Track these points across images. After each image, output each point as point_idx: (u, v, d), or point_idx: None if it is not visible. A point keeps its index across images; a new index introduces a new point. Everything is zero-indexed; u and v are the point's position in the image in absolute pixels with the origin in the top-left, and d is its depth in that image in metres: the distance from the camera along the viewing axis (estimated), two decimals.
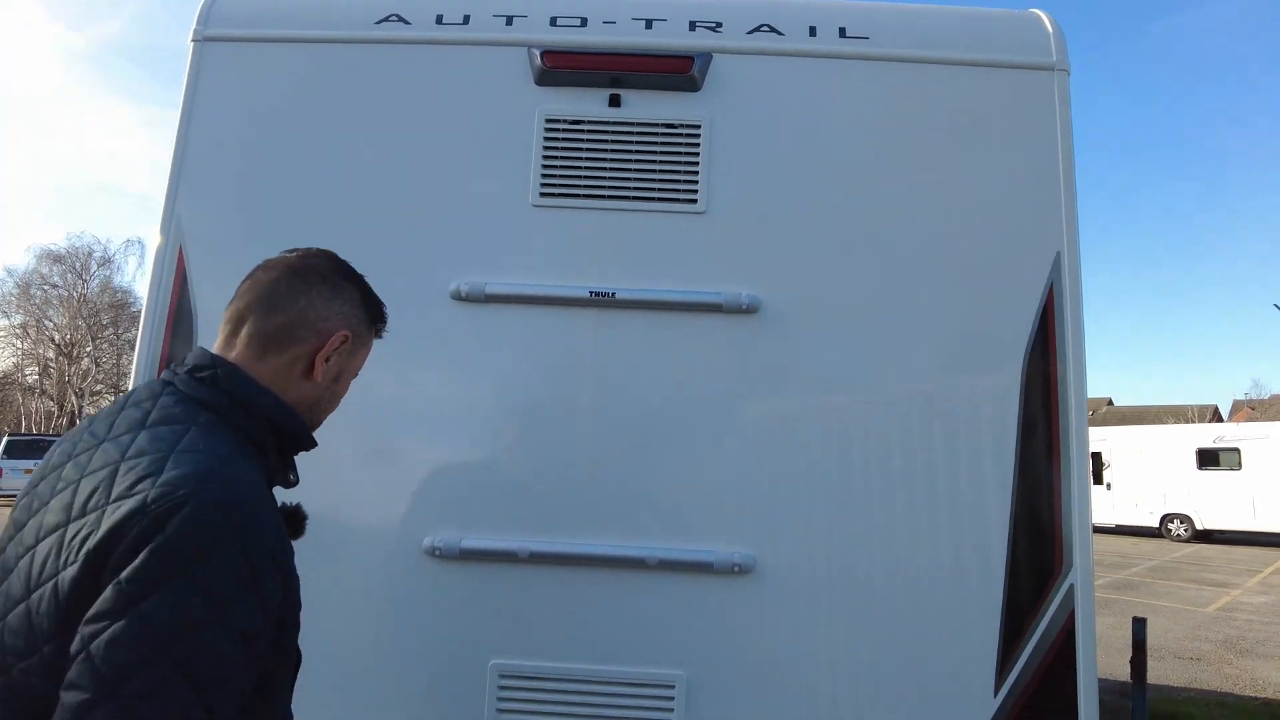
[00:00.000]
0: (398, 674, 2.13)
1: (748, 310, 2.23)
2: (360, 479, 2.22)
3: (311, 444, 1.32)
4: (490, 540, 2.15)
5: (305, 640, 2.17)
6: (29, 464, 20.17)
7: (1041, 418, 2.18)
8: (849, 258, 2.29)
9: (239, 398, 1.19)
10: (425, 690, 2.13)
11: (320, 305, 1.28)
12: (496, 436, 2.25)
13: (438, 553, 2.14)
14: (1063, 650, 2.10)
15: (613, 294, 2.23)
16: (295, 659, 1.26)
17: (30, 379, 38.75)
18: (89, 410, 33.54)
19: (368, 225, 2.29)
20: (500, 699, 2.10)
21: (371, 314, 1.37)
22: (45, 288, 37.30)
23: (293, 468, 1.32)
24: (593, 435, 2.24)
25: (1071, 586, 2.11)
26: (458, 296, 2.24)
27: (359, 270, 1.39)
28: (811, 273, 2.28)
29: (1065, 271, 2.26)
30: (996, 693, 2.09)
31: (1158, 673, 6.21)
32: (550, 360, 2.25)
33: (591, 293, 2.23)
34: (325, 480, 2.22)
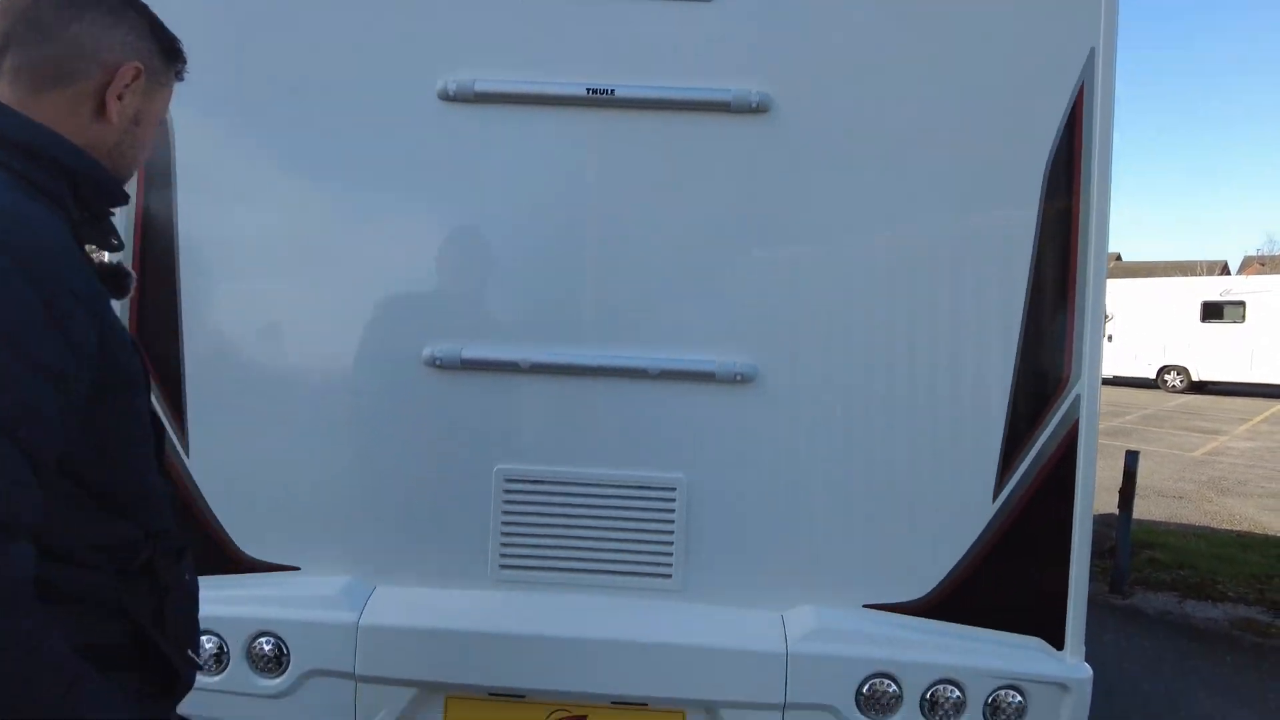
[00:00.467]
0: (405, 482, 2.16)
1: (758, 110, 2.08)
2: (358, 290, 2.16)
3: (121, 197, 1.19)
4: (491, 350, 2.12)
5: (313, 453, 2.23)
6: None
7: (1061, 222, 2.08)
8: (867, 52, 2.11)
9: (13, 139, 1.05)
10: (432, 496, 2.16)
11: (99, 33, 1.11)
12: (494, 246, 2.17)
13: (438, 363, 2.11)
14: (1064, 459, 2.10)
15: (611, 91, 2.08)
16: (151, 426, 1.22)
17: None
18: None
19: (348, 21, 2.11)
20: (506, 502, 2.14)
21: (165, 47, 1.21)
22: None
23: (111, 230, 1.20)
24: (594, 244, 2.16)
25: (1078, 397, 2.09)
26: (445, 96, 2.09)
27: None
28: (826, 69, 2.12)
29: (1099, 71, 2.09)
30: (995, 499, 2.11)
31: (1141, 509, 6.44)
32: (547, 163, 2.13)
33: (589, 90, 2.08)
34: (323, 293, 2.19)
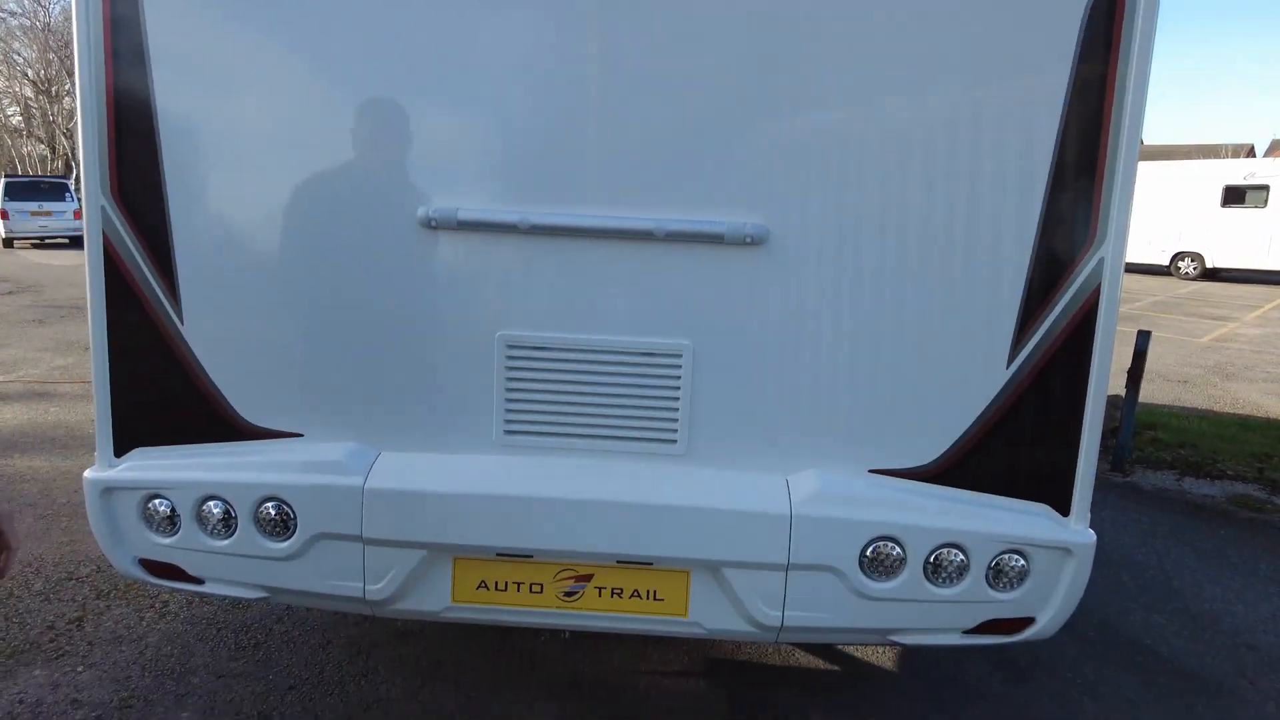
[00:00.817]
0: (407, 348, 2.11)
1: None
2: (350, 149, 2.05)
3: None
4: (489, 211, 2.02)
5: (312, 319, 2.18)
6: (34, 205, 20.02)
7: (1098, 74, 1.93)
8: None
9: None
10: (435, 362, 2.11)
11: None
12: (493, 101, 2.03)
13: (434, 224, 2.02)
14: (1082, 326, 2.03)
15: None
16: None
17: (14, 120, 37.32)
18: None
19: None
20: (509, 369, 2.10)
21: None
22: (3, 15, 34.62)
23: None
24: (597, 98, 2.02)
25: (1102, 260, 2.00)
26: None
27: None
28: None
29: None
30: (1009, 364, 2.06)
31: (1145, 393, 6.43)
32: (548, 13, 1.97)
33: None
34: (313, 152, 2.07)
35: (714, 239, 2.03)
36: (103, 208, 2.05)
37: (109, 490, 2.14)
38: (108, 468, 2.17)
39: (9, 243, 20.38)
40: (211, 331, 2.12)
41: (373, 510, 2.06)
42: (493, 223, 2.03)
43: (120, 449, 2.18)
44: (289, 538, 2.10)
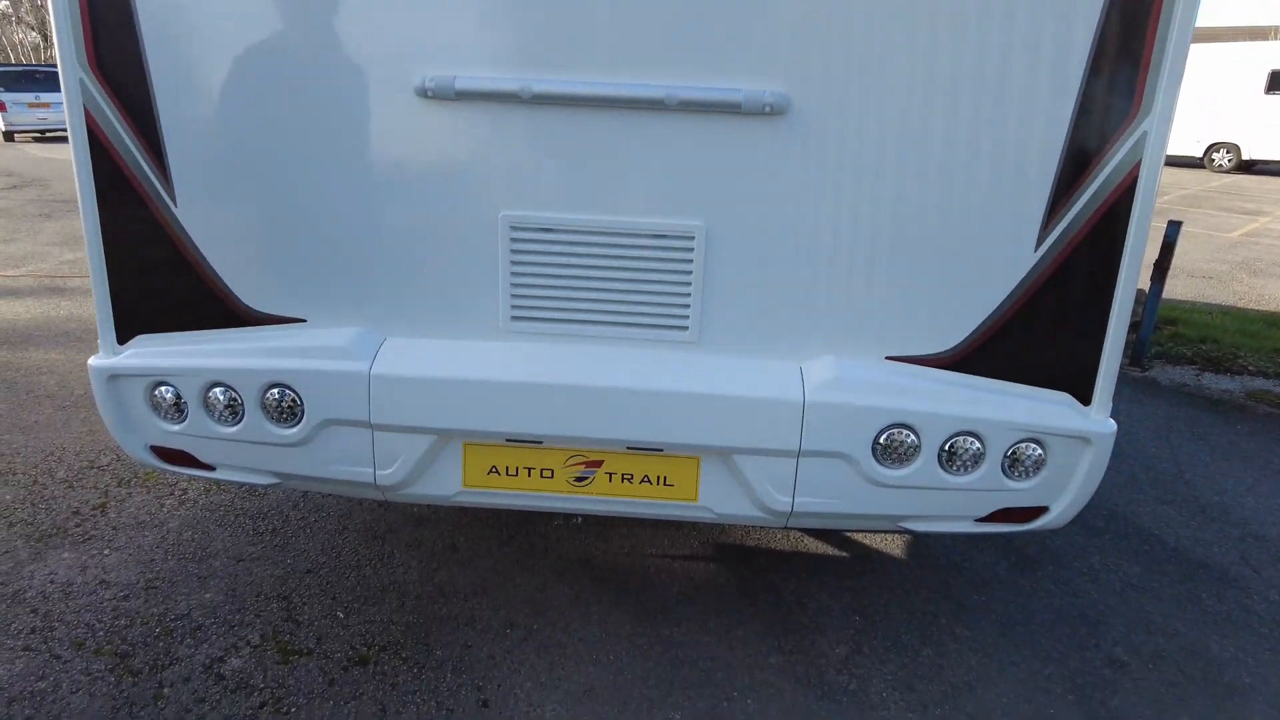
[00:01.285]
0: (409, 230, 2.03)
1: None
2: (339, 9, 1.90)
3: None
4: (488, 79, 1.90)
5: (310, 200, 2.09)
6: (30, 96, 19.54)
7: None
8: None
9: None
10: (438, 245, 2.04)
11: None
12: None
13: (430, 94, 1.90)
14: (1119, 205, 1.92)
15: None
16: None
17: (1, 5, 36.04)
18: None
19: None
20: (514, 253, 2.02)
21: None
22: None
23: None
24: None
25: (1144, 135, 1.87)
26: None
27: None
28: None
29: None
30: (1037, 247, 1.96)
31: (1169, 289, 6.28)
32: None
33: None
34: (303, 13, 1.93)
35: (730, 108, 1.90)
36: (81, 81, 1.93)
37: (114, 378, 2.12)
38: (111, 355, 2.15)
39: (9, 136, 20.03)
40: (207, 214, 2.05)
41: (379, 396, 2.04)
42: (493, 91, 1.91)
43: (123, 336, 2.15)
44: (297, 424, 2.09)
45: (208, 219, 2.05)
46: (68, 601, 2.53)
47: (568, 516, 3.05)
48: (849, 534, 3.04)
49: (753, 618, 2.56)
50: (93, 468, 3.41)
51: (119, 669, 2.24)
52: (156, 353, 2.12)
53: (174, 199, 2.04)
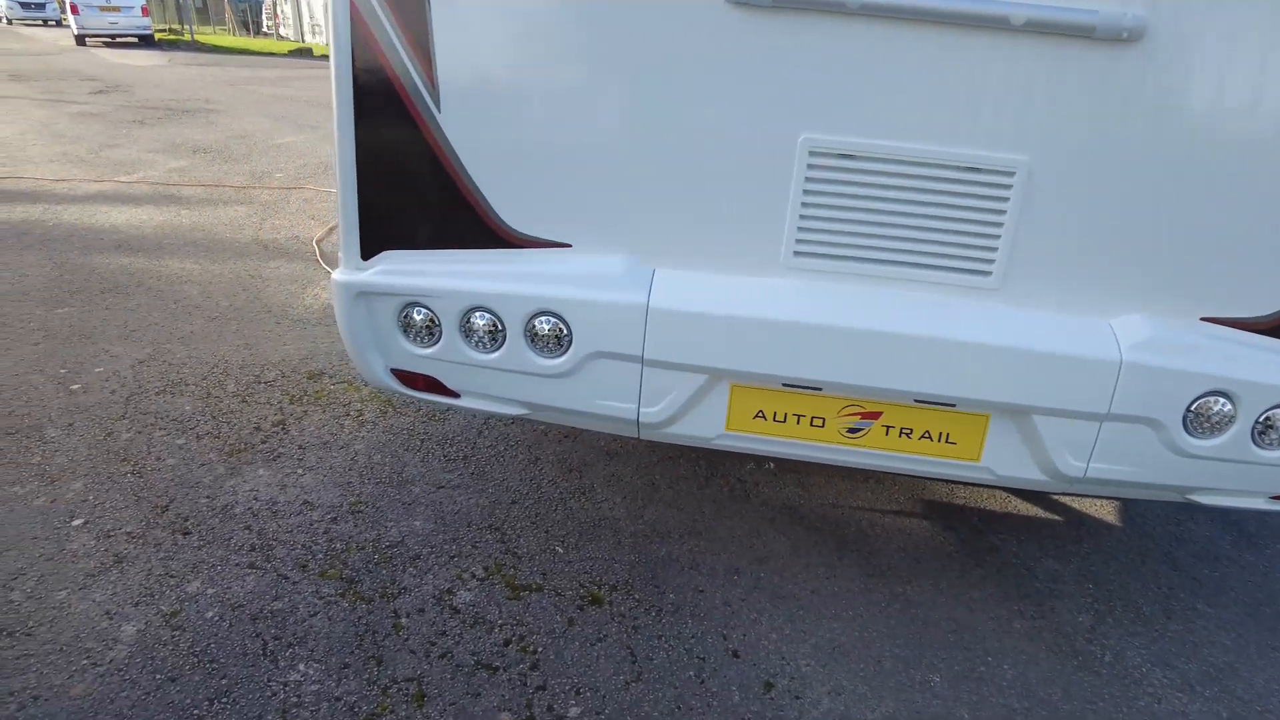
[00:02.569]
0: (691, 149, 1.85)
1: None
2: None
3: None
4: None
5: (585, 112, 1.88)
6: (102, 0, 19.37)
7: None
8: None
9: None
10: (722, 171, 1.86)
11: None
12: None
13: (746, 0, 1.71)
14: None
15: None
16: None
17: None
18: None
19: None
20: (809, 179, 1.84)
21: None
22: None
23: None
24: None
25: None
26: None
27: None
28: None
29: None
30: None
31: None
32: None
33: None
34: None
35: (1082, 31, 1.67)
36: None
37: (364, 295, 2.01)
38: (357, 270, 2.03)
39: (81, 40, 19.96)
40: (473, 124, 1.89)
41: (656, 331, 1.90)
42: (818, 0, 1.70)
43: (368, 251, 2.02)
44: (562, 354, 1.97)
45: (473, 130, 1.89)
46: (277, 520, 2.49)
47: (759, 460, 2.94)
48: (1058, 496, 2.89)
49: (984, 580, 2.44)
50: (260, 383, 3.36)
51: (349, 594, 2.20)
52: (410, 271, 2.00)
53: (438, 104, 1.88)
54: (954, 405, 1.93)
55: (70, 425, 2.97)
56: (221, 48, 22.95)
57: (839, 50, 1.75)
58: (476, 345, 2.01)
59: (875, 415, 1.99)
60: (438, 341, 2.03)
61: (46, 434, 2.91)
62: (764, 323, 1.88)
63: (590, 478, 2.80)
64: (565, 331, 1.94)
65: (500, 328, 1.97)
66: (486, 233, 1.98)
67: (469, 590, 2.24)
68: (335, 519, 2.51)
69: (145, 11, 20.32)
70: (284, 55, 21.75)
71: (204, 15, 34.09)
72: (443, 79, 1.85)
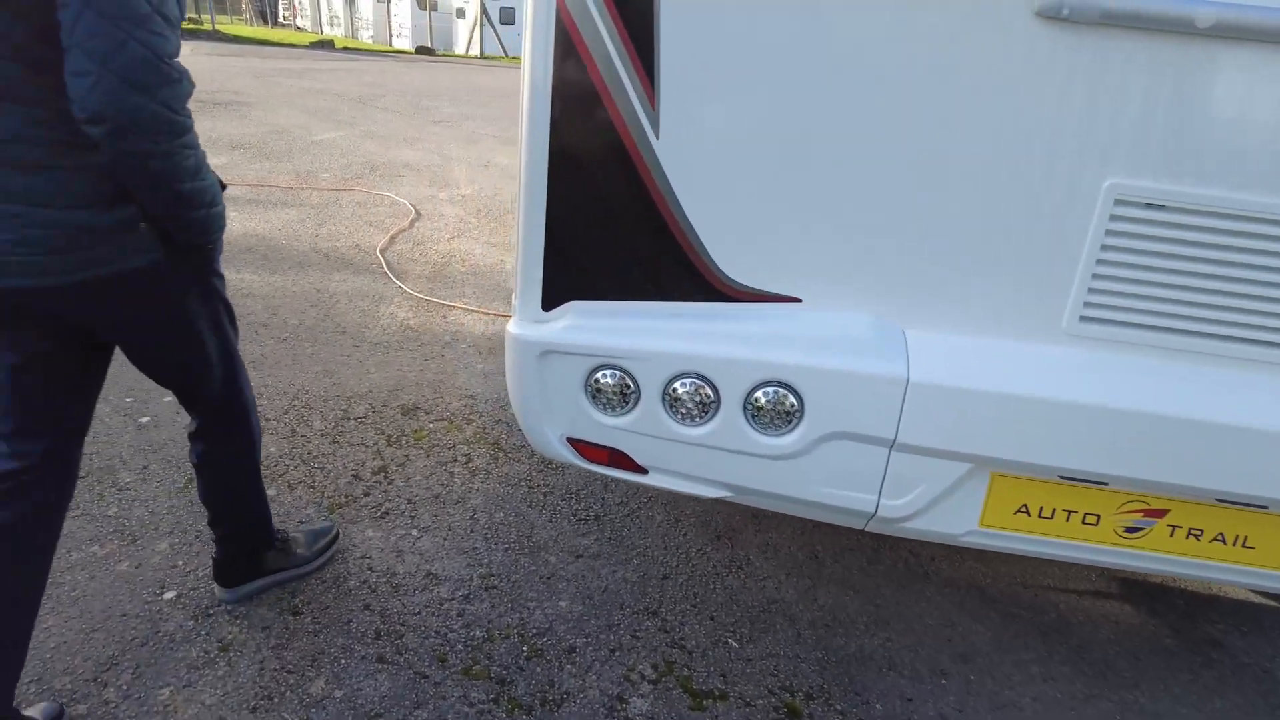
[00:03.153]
0: (961, 194, 1.52)
1: None
2: None
3: None
4: None
5: (827, 134, 1.48)
6: None
7: None
8: None
9: None
10: (998, 215, 1.52)
11: None
12: None
13: (1065, 12, 1.37)
14: None
15: None
16: None
17: None
18: None
19: None
20: (1110, 231, 1.50)
21: None
22: None
23: None
24: None
25: None
26: None
27: None
28: None
29: None
30: None
31: None
32: None
33: None
34: None
35: None
36: None
37: (549, 354, 1.67)
38: (537, 323, 1.69)
39: None
40: (694, 153, 1.55)
41: (916, 409, 1.56)
42: (1154, 15, 1.36)
43: (551, 300, 1.69)
44: (789, 432, 1.63)
45: (693, 160, 1.55)
46: (400, 598, 2.15)
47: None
48: None
49: (1220, 685, 2.11)
50: (349, 419, 3.03)
51: (504, 700, 1.87)
52: (604, 327, 1.66)
53: (656, 128, 1.54)
54: (1265, 508, 1.60)
55: (145, 469, 2.64)
56: (242, 38, 22.59)
57: (1181, 76, 1.41)
58: (682, 418, 1.67)
59: (1160, 513, 1.65)
60: (632, 410, 1.70)
61: (120, 478, 2.58)
62: (1050, 403, 1.54)
63: (743, 547, 2.46)
64: (795, 405, 1.60)
65: (713, 398, 1.64)
66: (699, 283, 1.64)
67: (642, 697, 1.90)
68: (468, 597, 2.18)
69: None
70: (306, 47, 21.41)
71: (221, 4, 33.80)
72: (665, 98, 1.52)
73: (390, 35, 30.30)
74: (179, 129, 1.42)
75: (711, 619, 2.16)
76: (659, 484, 1.79)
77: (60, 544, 1.72)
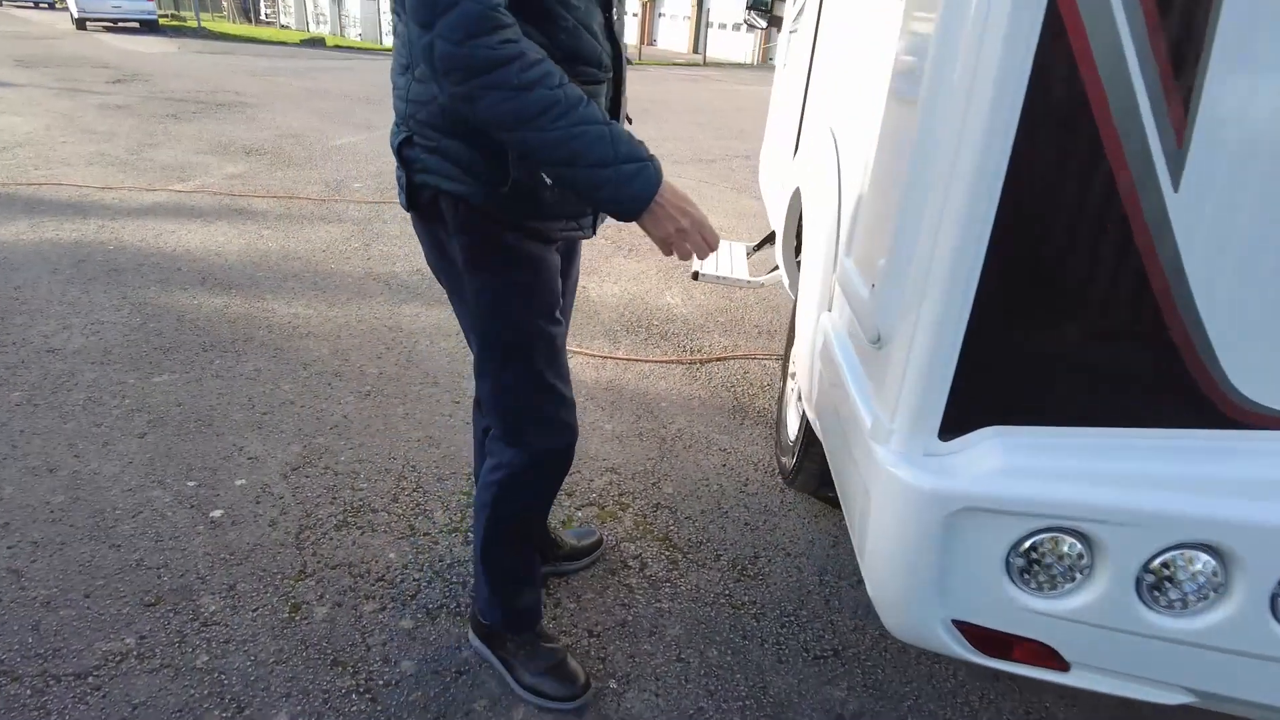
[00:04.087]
0: None
1: None
2: None
3: None
4: None
5: None
6: None
7: None
8: None
9: None
10: None
11: None
12: None
13: None
14: None
15: None
16: None
17: None
18: None
19: None
20: None
21: None
22: None
23: None
24: None
25: None
26: None
27: None
28: None
29: None
30: None
31: None
32: None
33: None
34: None
35: None
36: None
37: (968, 512, 1.09)
38: (928, 455, 1.11)
39: (81, 24, 18.68)
40: (1225, 217, 0.98)
41: None
42: None
43: (957, 424, 1.11)
44: None
45: (1222, 226, 0.99)
46: None
47: None
48: None
49: None
50: (465, 496, 2.43)
51: None
52: (1056, 471, 1.08)
53: (1175, 178, 0.97)
54: None
55: (231, 589, 2.02)
56: (230, 35, 21.71)
57: None
58: (1166, 606, 1.10)
59: None
60: (1079, 591, 1.12)
61: (201, 605, 1.96)
62: None
63: (1034, 691, 1.89)
64: None
65: (1223, 579, 1.06)
66: (1199, 401, 1.07)
67: None
68: None
69: None
70: (296, 45, 20.60)
71: (202, 1, 32.84)
72: (1200, 134, 0.94)
73: (380, 33, 29.52)
74: None
75: None
76: (1087, 685, 1.21)
77: None
